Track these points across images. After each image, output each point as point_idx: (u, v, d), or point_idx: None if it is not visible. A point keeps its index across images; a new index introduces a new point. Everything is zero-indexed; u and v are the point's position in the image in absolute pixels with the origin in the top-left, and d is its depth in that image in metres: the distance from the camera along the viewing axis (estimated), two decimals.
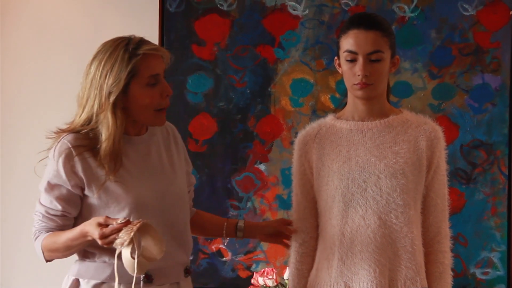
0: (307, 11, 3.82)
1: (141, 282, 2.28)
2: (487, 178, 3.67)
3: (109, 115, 2.29)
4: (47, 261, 2.41)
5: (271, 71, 3.84)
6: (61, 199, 2.32)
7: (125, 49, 2.30)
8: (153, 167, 2.41)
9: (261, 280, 3.45)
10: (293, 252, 2.57)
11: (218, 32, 3.87)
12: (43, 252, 2.37)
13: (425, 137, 2.49)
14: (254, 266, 3.82)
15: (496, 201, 3.65)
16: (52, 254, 2.37)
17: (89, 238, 2.24)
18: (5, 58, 4.10)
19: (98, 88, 2.30)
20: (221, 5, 3.87)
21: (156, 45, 2.38)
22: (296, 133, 2.69)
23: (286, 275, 3.45)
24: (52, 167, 2.32)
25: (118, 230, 2.16)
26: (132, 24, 3.84)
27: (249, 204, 3.83)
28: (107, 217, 2.21)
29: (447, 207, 2.52)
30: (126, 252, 2.16)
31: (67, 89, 4.00)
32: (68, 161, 2.29)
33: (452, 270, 2.52)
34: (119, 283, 2.26)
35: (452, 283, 2.51)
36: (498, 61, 3.68)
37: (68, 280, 2.40)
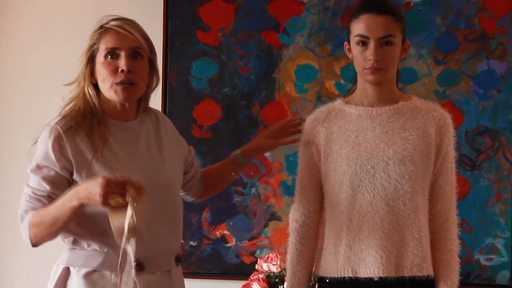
0: None
1: (133, 270, 2.26)
2: (491, 164, 3.66)
3: (81, 81, 2.41)
4: (33, 245, 2.36)
5: (275, 57, 3.83)
6: (48, 180, 2.32)
7: (99, 27, 2.41)
8: (141, 154, 2.42)
9: (265, 266, 3.45)
10: (292, 232, 2.57)
11: (222, 17, 3.86)
12: (29, 230, 2.32)
13: (434, 124, 2.48)
14: (258, 252, 3.82)
15: (501, 188, 3.65)
16: (37, 231, 2.31)
17: (78, 202, 2.22)
18: (8, 48, 4.09)
19: (80, 65, 2.43)
20: None
21: (127, 22, 2.42)
22: (301, 119, 2.68)
23: None
24: (42, 149, 2.34)
25: (123, 185, 2.17)
26: (137, 10, 3.82)
27: (253, 190, 3.83)
28: (106, 176, 2.21)
29: (455, 194, 2.52)
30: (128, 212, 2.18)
31: (71, 79, 4.03)
32: (58, 143, 2.31)
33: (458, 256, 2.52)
34: (111, 271, 2.30)
35: (458, 270, 2.51)
36: (503, 47, 3.66)
37: (58, 268, 2.40)
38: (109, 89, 2.37)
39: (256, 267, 3.51)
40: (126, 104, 2.42)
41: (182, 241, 2.50)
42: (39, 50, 4.06)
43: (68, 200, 2.25)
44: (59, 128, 2.33)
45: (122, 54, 2.36)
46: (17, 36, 4.09)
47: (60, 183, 2.33)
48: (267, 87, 3.84)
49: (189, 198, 2.76)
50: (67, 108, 2.41)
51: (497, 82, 3.66)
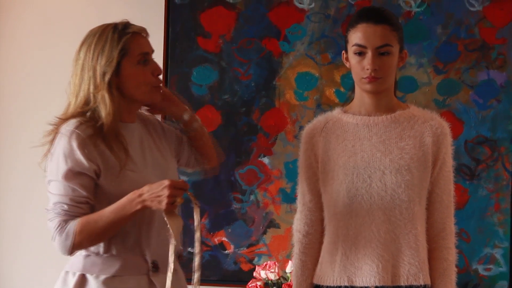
0: (313, 5, 3.81)
1: (150, 271, 2.31)
2: (491, 174, 3.66)
3: (105, 94, 2.33)
4: (72, 252, 2.32)
5: (276, 64, 3.84)
6: (84, 185, 2.30)
7: (113, 31, 2.36)
8: (147, 154, 2.44)
9: (263, 274, 3.46)
10: (296, 243, 2.57)
11: (223, 24, 3.87)
12: (73, 238, 2.28)
13: (431, 132, 2.48)
14: (256, 259, 3.82)
15: (500, 198, 3.64)
16: (86, 238, 2.28)
17: (141, 205, 2.25)
18: (10, 50, 4.10)
19: (92, 70, 2.35)
20: None
21: (139, 26, 2.43)
22: (301, 127, 2.69)
23: (288, 269, 3.46)
24: (72, 156, 2.29)
25: (186, 186, 2.27)
26: (138, 16, 3.79)
27: (252, 197, 3.83)
28: (171, 179, 2.26)
29: (452, 203, 2.52)
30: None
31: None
32: (85, 147, 2.29)
33: (455, 266, 2.51)
34: (130, 275, 2.32)
35: (455, 279, 2.51)
36: (503, 58, 3.66)
37: (70, 276, 2.36)
38: (145, 93, 2.39)
39: (254, 274, 3.51)
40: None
41: (180, 247, 2.51)
42: (39, 53, 4.06)
43: (129, 204, 2.26)
44: (80, 133, 2.30)
45: (151, 58, 2.40)
46: (17, 39, 4.09)
47: (91, 188, 2.32)
48: (267, 94, 3.84)
49: (207, 164, 2.73)
50: (86, 114, 2.37)
51: (497, 92, 3.67)
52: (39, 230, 3.98)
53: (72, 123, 2.32)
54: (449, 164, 2.50)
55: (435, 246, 2.48)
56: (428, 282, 2.45)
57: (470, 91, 3.69)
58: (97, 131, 2.32)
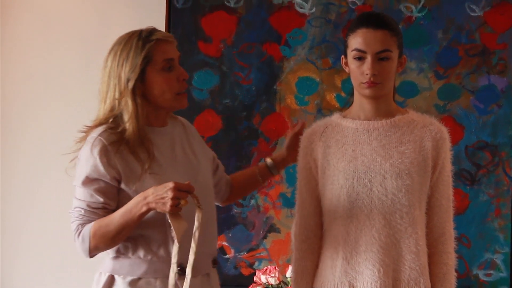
0: (314, 9, 3.81)
1: (176, 274, 2.33)
2: (491, 179, 3.66)
3: (129, 100, 2.37)
4: (91, 255, 2.40)
5: (277, 69, 3.84)
6: (101, 192, 2.36)
7: (138, 38, 2.40)
8: (180, 158, 2.48)
9: (263, 278, 3.45)
10: (295, 249, 2.57)
11: (224, 29, 3.87)
12: (90, 242, 2.36)
13: (430, 137, 2.48)
14: (256, 263, 3.82)
15: (500, 203, 3.64)
16: (100, 241, 2.35)
17: (147, 208, 2.29)
18: (10, 54, 4.10)
19: (117, 77, 2.39)
20: (228, 2, 3.86)
21: (165, 32, 2.48)
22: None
23: (288, 273, 3.45)
24: (89, 162, 2.36)
25: (191, 189, 2.29)
26: (139, 20, 3.82)
27: (252, 201, 3.83)
28: (175, 182, 2.28)
29: (451, 208, 2.52)
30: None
31: (72, 85, 4.04)
32: (104, 154, 2.34)
33: (455, 271, 2.51)
34: (156, 278, 2.37)
35: (455, 284, 2.51)
36: (504, 63, 3.67)
37: (101, 276, 2.44)
38: (170, 99, 2.42)
39: (255, 279, 3.51)
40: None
41: (215, 252, 2.58)
42: (39, 54, 4.07)
43: (136, 207, 2.30)
44: (103, 140, 2.35)
45: (176, 63, 2.43)
46: (17, 42, 4.10)
47: (111, 193, 2.37)
48: (268, 98, 3.84)
49: (216, 202, 2.78)
50: (109, 120, 2.41)
51: (498, 97, 3.67)
52: (40, 231, 3.99)
53: (97, 130, 2.38)
54: (448, 168, 2.51)
55: (434, 250, 2.48)
56: (429, 286, 2.46)
57: (470, 96, 3.70)
58: (121, 137, 2.37)
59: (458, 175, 3.64)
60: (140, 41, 2.38)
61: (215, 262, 2.55)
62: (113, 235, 2.33)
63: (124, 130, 2.37)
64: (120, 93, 2.38)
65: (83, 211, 2.37)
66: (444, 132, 2.50)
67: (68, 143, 4.28)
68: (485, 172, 3.67)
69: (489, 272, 3.64)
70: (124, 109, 2.39)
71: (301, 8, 3.82)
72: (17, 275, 4.04)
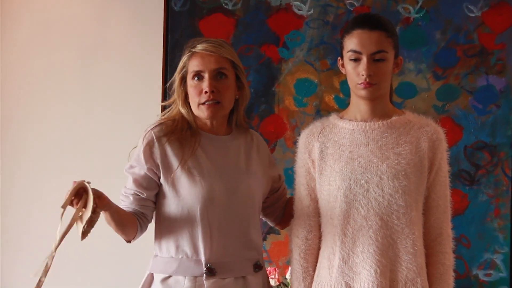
0: (312, 11, 3.82)
1: (204, 275, 2.46)
2: (490, 179, 3.66)
3: (178, 100, 2.62)
4: (127, 240, 2.59)
5: (275, 71, 3.84)
6: (137, 179, 2.54)
7: (186, 46, 2.63)
8: (228, 165, 2.58)
9: None
10: (295, 249, 2.57)
11: (222, 31, 3.88)
12: None
13: (427, 138, 2.49)
14: None
15: (500, 203, 3.65)
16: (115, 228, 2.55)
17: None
18: (9, 55, 4.11)
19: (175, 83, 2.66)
20: (226, 4, 3.87)
21: (212, 44, 2.60)
22: (300, 133, 2.69)
23: (288, 275, 3.45)
24: (136, 152, 2.57)
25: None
26: (137, 23, 3.85)
27: None
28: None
29: (449, 208, 2.52)
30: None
31: (70, 86, 4.05)
32: (149, 146, 2.53)
33: (455, 271, 2.51)
34: (184, 276, 2.49)
35: (453, 284, 2.51)
36: (502, 63, 3.67)
37: (146, 275, 2.60)
38: (196, 109, 2.57)
39: None
40: (214, 121, 2.60)
41: (259, 257, 2.61)
42: (39, 54, 4.07)
43: None
44: (153, 133, 2.55)
45: (206, 76, 2.55)
46: (17, 42, 4.10)
47: (147, 183, 2.54)
48: (267, 100, 3.85)
49: (270, 222, 2.85)
50: (165, 116, 2.64)
51: (496, 97, 3.67)
52: (40, 231, 3.99)
53: (153, 124, 2.60)
54: (445, 169, 2.51)
55: (431, 251, 2.48)
56: (426, 287, 2.45)
57: (469, 97, 3.70)
58: (171, 132, 2.56)
59: (457, 176, 3.64)
60: (186, 50, 2.60)
61: (257, 267, 2.59)
62: (117, 226, 2.50)
63: (175, 119, 2.58)
64: (173, 96, 2.63)
65: (121, 195, 2.57)
66: (440, 133, 2.51)
67: (68, 142, 4.30)
68: (484, 173, 3.67)
69: (488, 272, 3.64)
70: (173, 107, 2.62)
71: (299, 10, 3.83)
72: (17, 275, 4.05)
